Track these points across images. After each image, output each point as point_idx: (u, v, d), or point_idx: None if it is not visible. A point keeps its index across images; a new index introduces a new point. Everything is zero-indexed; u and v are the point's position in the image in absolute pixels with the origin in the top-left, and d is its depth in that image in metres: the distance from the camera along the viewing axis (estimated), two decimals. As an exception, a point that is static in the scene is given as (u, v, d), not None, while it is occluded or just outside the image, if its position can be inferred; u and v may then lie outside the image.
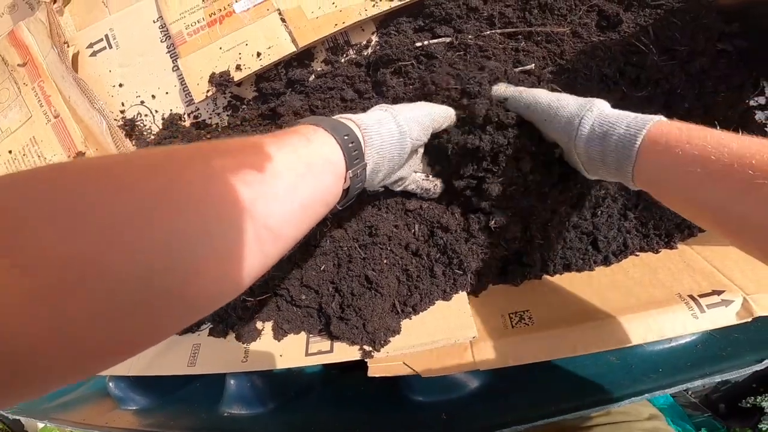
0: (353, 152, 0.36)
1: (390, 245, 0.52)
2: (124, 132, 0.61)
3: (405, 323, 0.51)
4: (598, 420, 0.53)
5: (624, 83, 0.46)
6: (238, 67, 0.54)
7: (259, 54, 0.54)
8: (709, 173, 0.30)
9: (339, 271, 0.53)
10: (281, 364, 0.56)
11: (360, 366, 0.51)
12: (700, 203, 0.32)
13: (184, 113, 0.62)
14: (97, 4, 0.66)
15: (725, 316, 0.41)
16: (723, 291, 0.42)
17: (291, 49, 0.53)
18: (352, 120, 0.39)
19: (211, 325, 0.62)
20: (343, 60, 0.54)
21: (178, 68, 0.59)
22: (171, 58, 0.61)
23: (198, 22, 0.58)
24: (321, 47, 0.55)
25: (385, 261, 0.51)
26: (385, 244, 0.52)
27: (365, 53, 0.54)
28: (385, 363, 0.50)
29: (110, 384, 0.69)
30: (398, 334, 0.51)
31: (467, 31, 0.47)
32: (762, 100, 0.47)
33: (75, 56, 0.65)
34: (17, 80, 0.68)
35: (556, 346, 0.45)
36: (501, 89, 0.45)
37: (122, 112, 0.64)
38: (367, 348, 0.51)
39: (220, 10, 0.57)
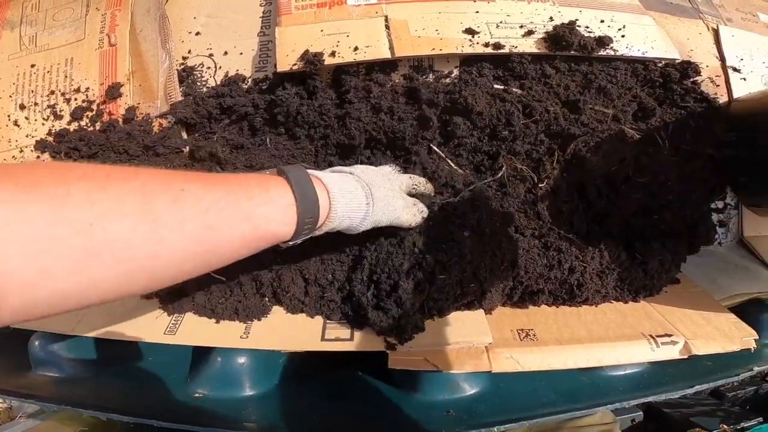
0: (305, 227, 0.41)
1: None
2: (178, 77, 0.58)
3: (428, 323, 0.57)
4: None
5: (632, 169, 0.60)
6: (332, 54, 0.57)
7: (356, 48, 0.57)
8: None
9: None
10: (291, 347, 0.56)
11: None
12: None
13: (249, 77, 0.61)
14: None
15: (672, 352, 0.57)
16: (672, 335, 0.58)
17: (387, 55, 0.57)
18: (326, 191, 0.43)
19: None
20: (422, 79, 0.61)
21: (264, 35, 0.59)
22: (263, 23, 0.61)
23: (309, -1, 0.59)
24: (406, 62, 0.61)
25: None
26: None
27: (443, 81, 0.61)
28: (406, 357, 0.55)
29: (35, 342, 0.58)
30: (422, 331, 0.56)
31: (536, 92, 0.58)
32: (720, 204, 0.65)
33: (170, -7, 0.60)
34: (90, 4, 0.66)
35: (553, 360, 0.56)
36: None
37: (184, 58, 0.62)
38: (391, 340, 0.55)
39: (335, -4, 0.59)
